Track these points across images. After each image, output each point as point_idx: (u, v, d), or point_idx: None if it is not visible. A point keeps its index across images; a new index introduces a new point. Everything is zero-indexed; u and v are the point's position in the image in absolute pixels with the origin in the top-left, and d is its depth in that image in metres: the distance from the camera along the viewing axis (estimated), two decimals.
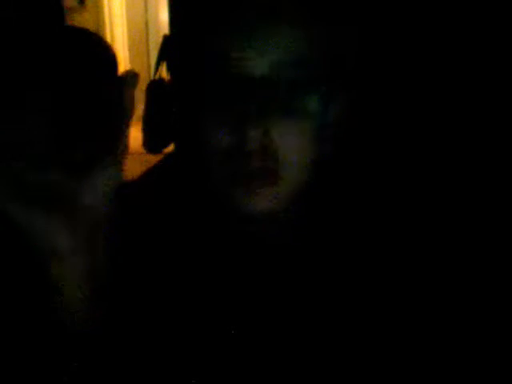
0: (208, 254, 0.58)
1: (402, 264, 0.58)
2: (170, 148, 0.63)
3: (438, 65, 0.70)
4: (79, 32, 0.44)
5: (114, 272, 0.45)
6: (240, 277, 0.57)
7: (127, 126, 0.43)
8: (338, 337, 0.55)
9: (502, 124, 0.69)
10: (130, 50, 4.08)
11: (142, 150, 0.60)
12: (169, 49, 0.58)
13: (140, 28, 4.65)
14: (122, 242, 0.48)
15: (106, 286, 0.44)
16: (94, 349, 0.44)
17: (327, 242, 0.58)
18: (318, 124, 0.53)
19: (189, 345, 0.55)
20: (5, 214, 0.40)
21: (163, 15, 4.47)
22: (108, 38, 3.86)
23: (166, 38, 0.59)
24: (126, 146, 0.44)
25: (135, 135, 0.51)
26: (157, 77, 0.58)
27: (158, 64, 0.58)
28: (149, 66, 4.14)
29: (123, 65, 3.81)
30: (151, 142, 0.60)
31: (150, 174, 0.67)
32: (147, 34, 4.79)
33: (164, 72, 0.58)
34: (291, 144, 0.52)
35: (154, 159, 0.67)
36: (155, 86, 0.59)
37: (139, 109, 0.50)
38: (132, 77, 0.44)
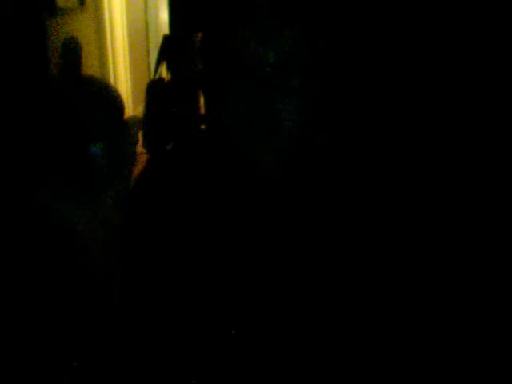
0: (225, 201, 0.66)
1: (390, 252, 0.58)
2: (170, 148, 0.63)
3: (428, 62, 0.71)
4: (93, 82, 0.49)
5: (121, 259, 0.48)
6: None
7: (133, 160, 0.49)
8: (336, 334, 0.55)
9: (492, 123, 0.69)
10: (130, 49, 4.08)
11: (142, 149, 0.61)
12: (169, 49, 0.59)
13: (140, 28, 4.64)
14: (128, 237, 0.51)
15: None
16: (94, 349, 0.44)
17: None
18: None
19: (189, 345, 0.55)
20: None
21: (163, 15, 4.46)
22: (108, 39, 3.86)
23: (165, 38, 0.59)
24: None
25: None
26: (157, 77, 0.59)
27: (157, 64, 0.59)
28: (149, 66, 4.14)
29: (123, 65, 3.82)
30: (151, 142, 0.60)
31: (148, 172, 0.67)
32: (147, 34, 4.79)
33: (164, 72, 0.59)
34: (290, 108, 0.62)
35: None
36: (155, 85, 0.59)
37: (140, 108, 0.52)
38: (134, 122, 0.48)
